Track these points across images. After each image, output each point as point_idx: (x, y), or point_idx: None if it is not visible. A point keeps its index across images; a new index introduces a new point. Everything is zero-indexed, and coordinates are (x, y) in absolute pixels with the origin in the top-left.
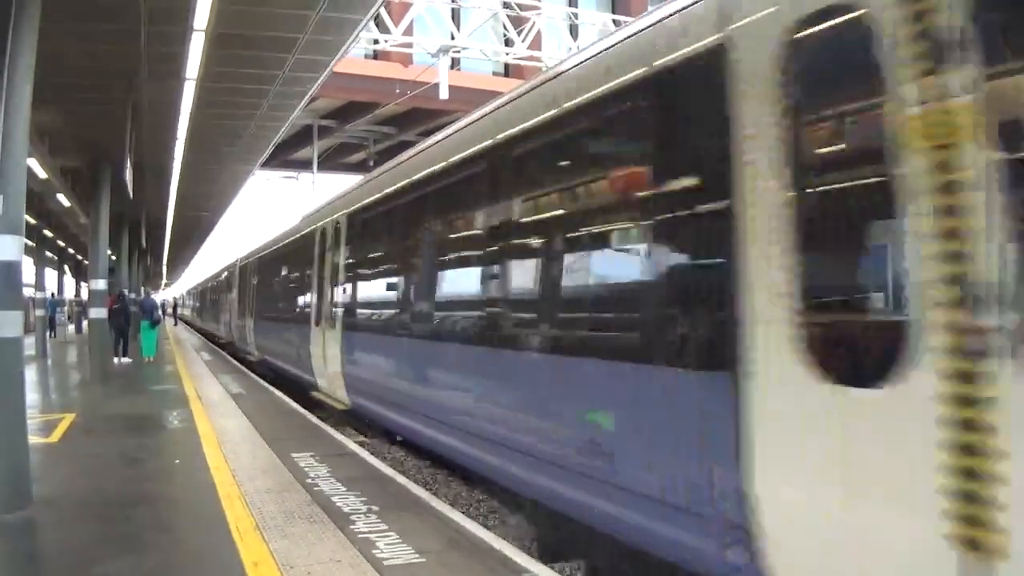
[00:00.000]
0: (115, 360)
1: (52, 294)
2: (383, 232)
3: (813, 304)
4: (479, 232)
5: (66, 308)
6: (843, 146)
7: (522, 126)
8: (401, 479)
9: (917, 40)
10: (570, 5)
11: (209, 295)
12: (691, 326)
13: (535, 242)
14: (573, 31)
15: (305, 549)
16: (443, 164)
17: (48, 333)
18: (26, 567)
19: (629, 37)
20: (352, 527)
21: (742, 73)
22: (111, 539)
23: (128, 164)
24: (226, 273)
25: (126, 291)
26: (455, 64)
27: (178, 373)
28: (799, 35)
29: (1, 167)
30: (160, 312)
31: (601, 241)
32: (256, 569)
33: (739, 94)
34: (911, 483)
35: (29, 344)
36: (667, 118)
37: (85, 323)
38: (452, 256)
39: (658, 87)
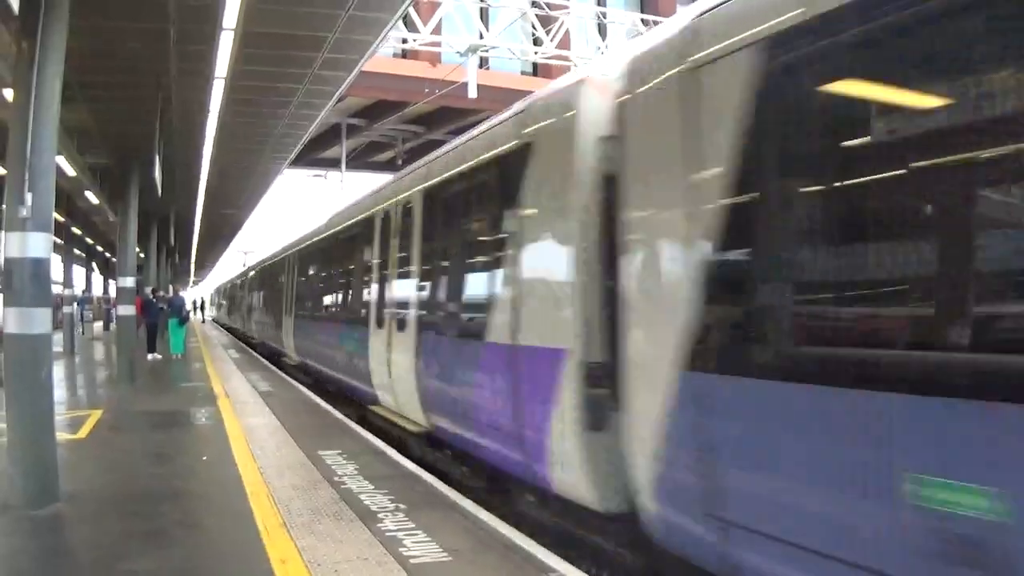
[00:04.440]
0: (148, 356)
1: (82, 291)
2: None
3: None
4: None
5: (91, 306)
6: None
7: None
8: (428, 477)
9: None
10: (599, 4)
11: (242, 291)
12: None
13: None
14: (602, 30)
15: (332, 547)
16: None
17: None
18: (54, 562)
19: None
20: (379, 525)
21: None
22: (138, 535)
23: (157, 162)
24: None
25: (155, 289)
26: (484, 63)
27: (206, 370)
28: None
29: (31, 165)
30: (188, 310)
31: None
32: (283, 566)
33: None
34: (407, 361)
35: (56, 340)
36: None
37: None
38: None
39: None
